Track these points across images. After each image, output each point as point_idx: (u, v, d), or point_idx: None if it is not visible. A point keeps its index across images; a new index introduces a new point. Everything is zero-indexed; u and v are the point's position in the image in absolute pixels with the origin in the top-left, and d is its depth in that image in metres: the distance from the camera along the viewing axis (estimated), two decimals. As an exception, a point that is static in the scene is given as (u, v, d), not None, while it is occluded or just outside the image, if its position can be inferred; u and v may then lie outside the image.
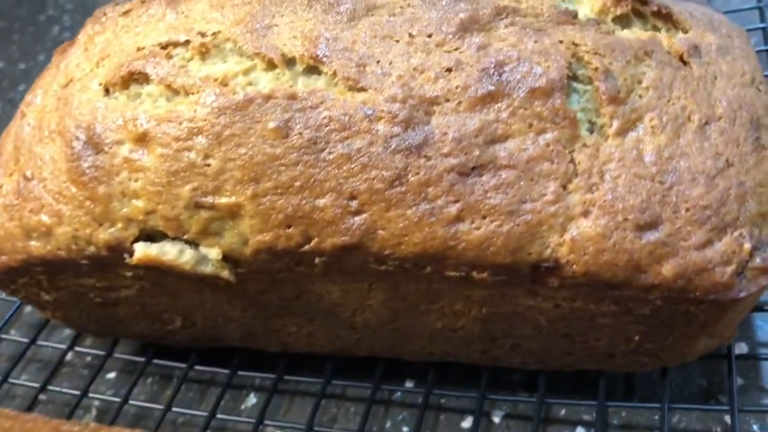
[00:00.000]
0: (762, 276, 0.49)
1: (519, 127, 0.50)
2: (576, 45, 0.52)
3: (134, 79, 0.58)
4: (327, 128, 0.52)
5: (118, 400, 0.69)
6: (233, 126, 0.53)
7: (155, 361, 0.74)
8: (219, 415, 0.66)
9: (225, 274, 0.58)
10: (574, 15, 0.53)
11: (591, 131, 0.51)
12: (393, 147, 0.51)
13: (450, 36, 0.52)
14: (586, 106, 0.51)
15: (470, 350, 0.61)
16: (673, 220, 0.49)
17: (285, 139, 0.52)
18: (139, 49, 0.58)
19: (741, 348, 0.64)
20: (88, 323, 0.73)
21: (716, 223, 0.49)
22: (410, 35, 0.53)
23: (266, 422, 0.65)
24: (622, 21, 0.57)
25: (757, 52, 0.66)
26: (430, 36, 0.53)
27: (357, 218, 0.52)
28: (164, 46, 0.57)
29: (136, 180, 0.56)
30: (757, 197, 0.50)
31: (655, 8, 0.57)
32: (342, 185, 0.52)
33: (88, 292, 0.67)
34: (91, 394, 0.71)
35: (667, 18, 0.58)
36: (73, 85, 0.62)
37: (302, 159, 0.52)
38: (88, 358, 0.78)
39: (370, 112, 0.51)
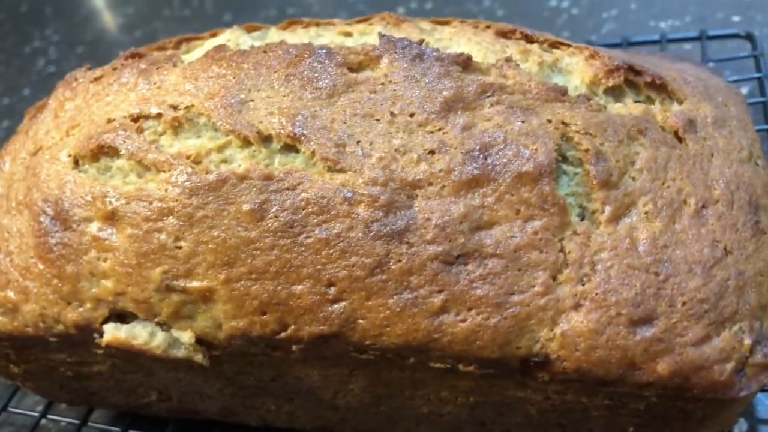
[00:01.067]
0: (763, 372, 0.46)
1: (505, 213, 0.48)
2: (565, 124, 0.50)
3: (104, 152, 0.55)
4: (304, 211, 0.49)
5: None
6: (206, 207, 0.51)
7: (131, 431, 0.71)
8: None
9: (198, 358, 0.55)
10: (564, 92, 0.51)
11: (582, 217, 0.49)
12: (374, 232, 0.48)
13: (433, 115, 0.50)
14: (576, 190, 0.49)
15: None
16: (668, 314, 0.46)
17: (260, 222, 0.50)
18: (109, 121, 0.56)
19: (741, 426, 0.61)
20: (61, 394, 0.70)
21: (714, 317, 0.46)
22: (392, 114, 0.50)
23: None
24: (615, 92, 0.55)
25: (758, 131, 0.64)
26: (412, 115, 0.50)
27: (335, 306, 0.49)
28: (135, 119, 0.54)
29: (105, 260, 0.53)
30: (756, 287, 0.47)
31: (648, 79, 0.55)
32: (320, 272, 0.49)
33: (58, 366, 0.64)
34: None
35: (661, 89, 0.55)
36: (42, 153, 0.59)
37: (278, 243, 0.49)
38: (63, 424, 0.75)
39: (349, 195, 0.49)
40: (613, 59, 0.54)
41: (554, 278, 0.47)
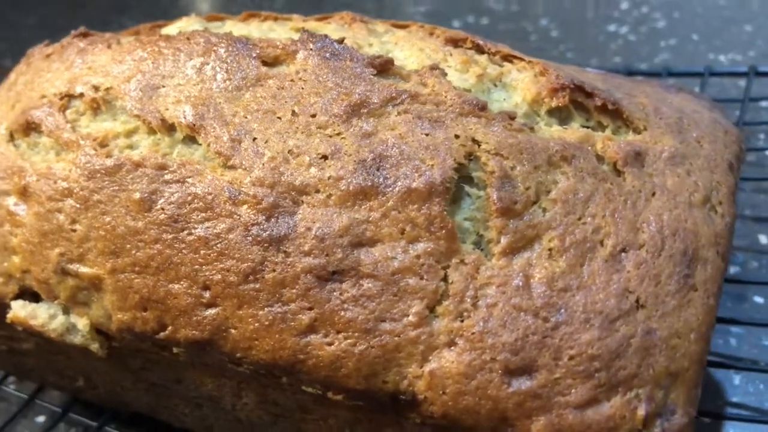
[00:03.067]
0: (662, 450, 0.39)
1: (389, 231, 0.43)
2: (476, 142, 0.45)
3: (32, 128, 0.54)
4: (190, 206, 0.47)
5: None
6: (100, 192, 0.49)
7: (71, 414, 0.71)
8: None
9: (94, 347, 0.53)
10: (482, 107, 0.46)
11: (478, 245, 0.44)
12: (252, 236, 0.45)
13: (335, 118, 0.46)
14: (475, 215, 0.44)
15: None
16: (551, 368, 0.40)
17: (147, 212, 0.48)
18: (42, 97, 0.55)
19: None
20: (6, 365, 0.70)
21: (605, 378, 0.40)
22: (293, 113, 0.47)
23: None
24: (561, 114, 0.49)
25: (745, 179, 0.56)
26: (314, 116, 0.47)
27: (209, 311, 0.46)
28: (62, 97, 0.54)
29: (15, 235, 0.53)
30: (668, 351, 0.41)
31: (599, 102, 0.49)
32: (197, 272, 0.46)
33: (-6, 337, 0.64)
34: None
35: (615, 115, 0.49)
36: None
37: (161, 237, 0.47)
38: (13, 400, 0.75)
39: (235, 193, 0.46)
40: (561, 78, 0.49)
41: (431, 309, 0.42)
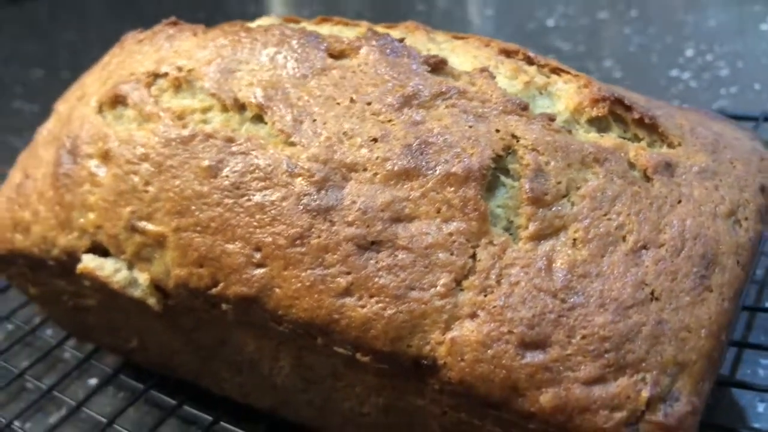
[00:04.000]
0: (662, 433, 0.42)
1: (427, 210, 0.47)
2: (515, 137, 0.49)
3: (119, 101, 0.61)
4: (251, 175, 0.52)
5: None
6: (174, 158, 0.55)
7: (121, 376, 0.76)
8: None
9: (151, 301, 0.58)
10: (524, 107, 0.50)
11: (508, 230, 0.47)
12: (303, 205, 0.50)
13: (388, 107, 0.51)
14: (508, 203, 0.47)
15: (385, 441, 0.57)
16: (563, 344, 0.43)
17: (213, 178, 0.53)
18: (131, 75, 0.61)
19: None
20: (67, 324, 0.76)
21: (614, 359, 0.43)
22: (351, 100, 0.52)
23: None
24: (600, 124, 0.53)
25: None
26: (369, 104, 0.51)
27: (258, 271, 0.51)
28: (149, 75, 0.60)
29: (93, 194, 0.59)
30: (678, 342, 0.43)
31: (636, 116, 0.52)
32: (251, 234, 0.51)
33: (61, 293, 0.70)
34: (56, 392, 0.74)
35: (651, 129, 0.53)
36: (83, 99, 0.66)
37: (223, 201, 0.52)
38: (71, 361, 0.81)
39: (292, 166, 0.50)
40: (603, 90, 0.53)
41: (458, 283, 0.46)
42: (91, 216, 0.59)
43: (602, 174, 0.48)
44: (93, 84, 0.67)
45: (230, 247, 0.51)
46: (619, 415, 0.42)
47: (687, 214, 0.48)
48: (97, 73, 0.68)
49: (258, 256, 0.50)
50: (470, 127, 0.49)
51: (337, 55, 0.54)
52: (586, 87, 0.53)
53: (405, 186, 0.48)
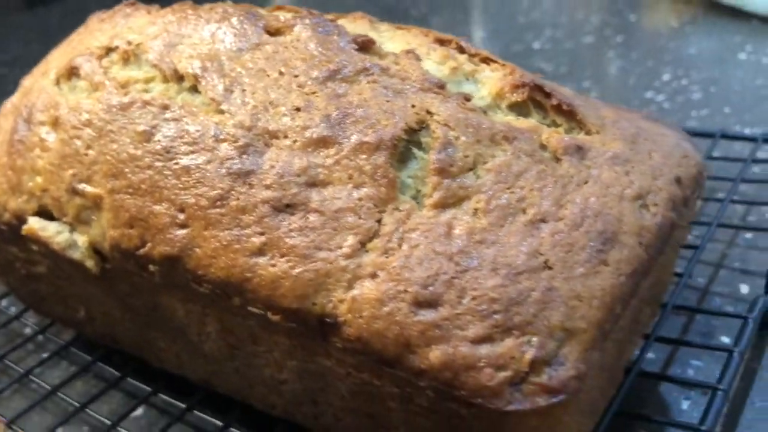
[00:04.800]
0: (542, 395, 0.43)
1: (340, 176, 0.49)
2: (429, 113, 0.51)
3: (73, 72, 0.64)
4: (181, 140, 0.54)
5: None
6: (113, 123, 0.57)
7: (72, 349, 0.78)
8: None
9: (90, 263, 0.60)
10: (441, 86, 0.52)
11: (415, 198, 0.49)
12: (225, 168, 0.52)
13: (313, 80, 0.53)
14: (417, 173, 0.49)
15: (303, 411, 0.59)
16: (454, 304, 0.45)
17: (147, 143, 0.55)
18: (87, 49, 0.64)
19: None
20: (24, 296, 0.78)
21: (501, 320, 0.44)
22: (280, 72, 0.54)
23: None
24: (521, 109, 0.55)
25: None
26: (296, 76, 0.54)
27: (180, 231, 0.53)
28: (103, 49, 0.63)
29: (42, 158, 0.61)
30: (567, 309, 0.45)
31: (554, 102, 0.54)
32: (177, 196, 0.53)
33: (14, 261, 0.72)
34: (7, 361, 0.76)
35: (569, 115, 0.54)
36: (45, 73, 0.69)
37: (154, 164, 0.54)
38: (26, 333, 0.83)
39: (218, 132, 0.53)
40: (524, 77, 0.55)
41: (363, 244, 0.48)
42: (39, 180, 0.62)
43: (510, 151, 0.50)
44: (55, 60, 0.70)
45: (157, 208, 0.54)
46: (503, 374, 0.43)
47: (591, 193, 0.49)
48: (62, 49, 0.71)
49: (182, 216, 0.53)
50: (388, 101, 0.51)
51: (273, 32, 0.57)
52: (511, 75, 0.55)
53: (321, 153, 0.50)
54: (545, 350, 0.44)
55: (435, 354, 0.44)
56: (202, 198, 0.52)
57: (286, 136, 0.51)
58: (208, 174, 0.52)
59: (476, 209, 0.48)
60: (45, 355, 0.79)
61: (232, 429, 0.65)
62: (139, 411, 0.71)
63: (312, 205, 0.49)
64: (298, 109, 0.52)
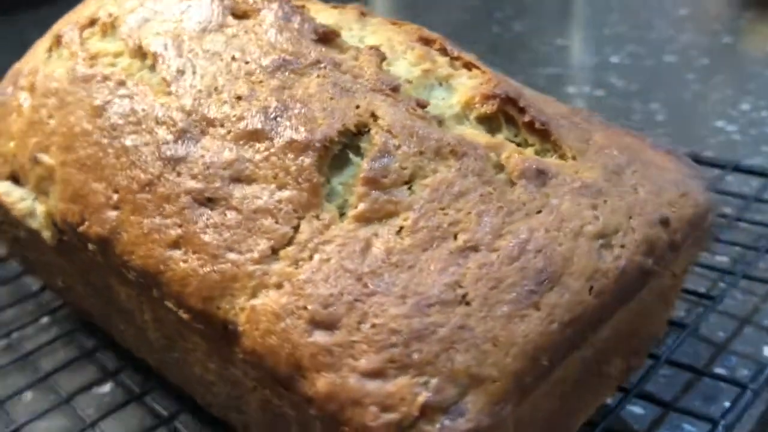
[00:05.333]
0: (431, 446, 0.38)
1: (265, 174, 0.46)
2: (374, 117, 0.46)
3: (59, 42, 0.63)
4: (127, 119, 0.52)
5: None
6: (74, 95, 0.56)
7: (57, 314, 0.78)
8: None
9: (46, 234, 0.59)
10: (395, 88, 0.47)
11: (342, 208, 0.45)
12: (160, 153, 0.49)
13: (263, 69, 0.49)
14: (349, 181, 0.45)
15: (233, 417, 0.56)
16: (352, 329, 0.40)
17: (98, 118, 0.53)
18: (77, 18, 0.63)
19: None
20: (20, 260, 0.79)
21: (398, 355, 0.39)
22: (233, 58, 0.51)
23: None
24: (492, 123, 0.50)
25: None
26: (247, 63, 0.50)
27: (112, 213, 0.50)
28: (87, 20, 0.61)
29: (16, 123, 0.61)
30: (477, 353, 0.40)
31: (527, 118, 0.48)
32: (113, 176, 0.51)
33: (2, 223, 0.72)
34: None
35: (543, 135, 0.49)
36: (44, 40, 0.69)
37: (100, 141, 0.52)
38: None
39: (160, 114, 0.50)
40: (498, 87, 0.49)
41: (274, 251, 0.44)
42: (11, 144, 0.61)
43: (456, 168, 0.45)
44: (57, 26, 0.69)
45: (96, 186, 0.52)
46: (389, 416, 0.38)
47: (540, 225, 0.44)
48: (67, 16, 0.70)
49: (115, 198, 0.50)
50: (332, 99, 0.47)
51: (240, 16, 0.54)
52: (486, 83, 0.50)
53: (252, 147, 0.47)
54: (442, 396, 0.39)
55: (322, 382, 0.40)
56: (134, 181, 0.49)
57: (222, 125, 0.48)
58: (143, 157, 0.50)
59: (401, 228, 0.43)
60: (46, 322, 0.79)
61: (180, 417, 0.62)
62: (106, 387, 0.70)
63: (232, 202, 0.46)
64: (239, 98, 0.49)
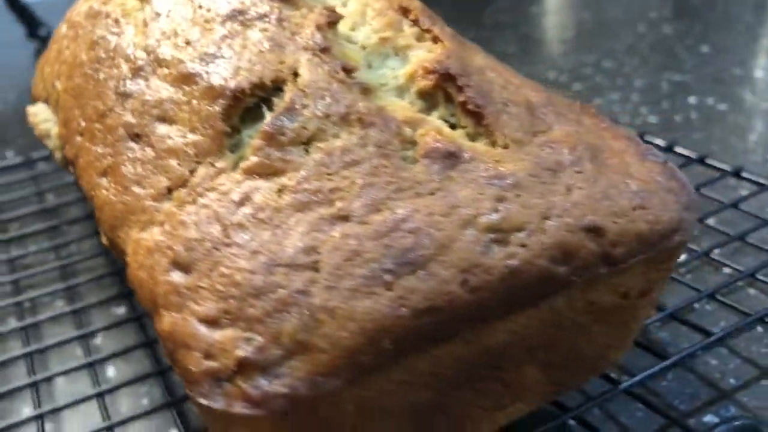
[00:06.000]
0: (239, 401, 0.38)
1: (183, 116, 0.47)
2: (295, 74, 0.46)
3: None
4: (108, 53, 0.55)
5: None
6: (84, 29, 0.60)
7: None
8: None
9: (58, 156, 0.65)
10: (324, 49, 0.47)
11: (241, 160, 0.45)
12: (117, 87, 0.52)
13: (218, 17, 0.51)
14: (254, 134, 0.45)
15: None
16: (202, 275, 0.41)
17: (92, 51, 0.57)
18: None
19: None
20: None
21: (234, 307, 0.39)
22: (200, 5, 0.53)
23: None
24: (430, 99, 0.48)
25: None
26: (208, 11, 0.52)
27: (78, 139, 0.54)
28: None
29: (52, 50, 0.67)
30: (310, 322, 0.39)
31: (462, 99, 0.46)
32: (86, 105, 0.55)
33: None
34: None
35: (475, 118, 0.46)
36: None
37: (86, 72, 0.57)
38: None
39: (129, 51, 0.53)
40: (445, 62, 0.47)
41: (169, 191, 0.45)
42: (48, 69, 0.67)
43: (358, 137, 0.44)
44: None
45: (75, 113, 0.56)
46: (209, 364, 0.39)
47: (427, 207, 0.42)
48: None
49: (83, 125, 0.54)
50: (261, 52, 0.47)
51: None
52: (435, 57, 0.48)
53: (182, 90, 0.48)
54: (263, 355, 0.38)
55: (167, 320, 0.41)
56: (95, 111, 0.53)
57: (167, 67, 0.50)
58: (107, 90, 0.53)
59: (284, 187, 0.43)
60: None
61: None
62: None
63: (152, 139, 0.48)
64: (188, 43, 0.50)
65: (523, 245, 0.42)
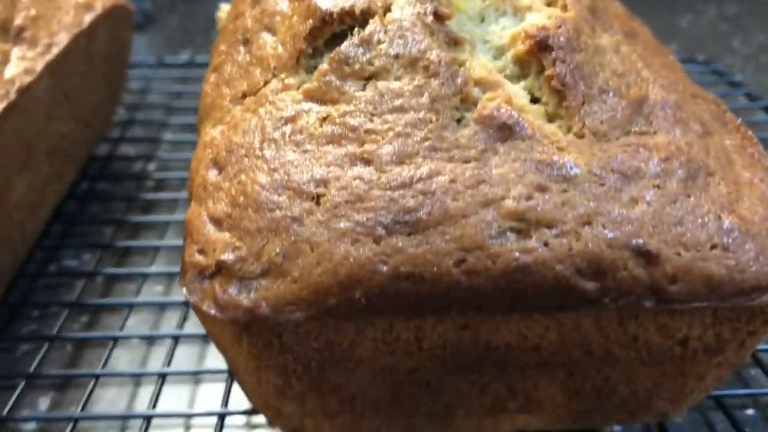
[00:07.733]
0: (208, 300, 0.39)
1: (283, 29, 0.49)
2: (387, 10, 0.45)
3: None
4: None
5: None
6: None
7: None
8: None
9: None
10: (457, 41, 0.45)
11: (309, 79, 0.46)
12: (256, -5, 0.55)
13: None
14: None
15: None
16: (228, 177, 0.42)
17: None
18: None
19: None
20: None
21: (236, 216, 0.40)
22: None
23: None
24: (526, 68, 0.44)
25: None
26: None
27: (220, 39, 0.58)
28: None
29: None
30: (292, 249, 0.38)
31: (549, 72, 0.42)
32: (236, 7, 0.58)
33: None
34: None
35: (558, 96, 0.42)
36: None
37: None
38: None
39: None
40: (546, 32, 0.43)
41: (244, 95, 0.47)
42: None
43: (416, 84, 0.42)
44: None
45: (231, 15, 0.60)
46: (198, 259, 0.40)
47: (454, 173, 0.39)
48: None
49: (228, 26, 0.58)
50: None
51: None
52: (547, 21, 0.44)
53: (292, 4, 0.50)
54: (242, 266, 0.39)
55: (191, 210, 0.43)
56: (233, 12, 0.56)
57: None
58: (251, -5, 0.56)
59: (328, 116, 0.42)
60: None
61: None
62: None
63: (254, 46, 0.49)
64: None
65: (545, 243, 0.38)
